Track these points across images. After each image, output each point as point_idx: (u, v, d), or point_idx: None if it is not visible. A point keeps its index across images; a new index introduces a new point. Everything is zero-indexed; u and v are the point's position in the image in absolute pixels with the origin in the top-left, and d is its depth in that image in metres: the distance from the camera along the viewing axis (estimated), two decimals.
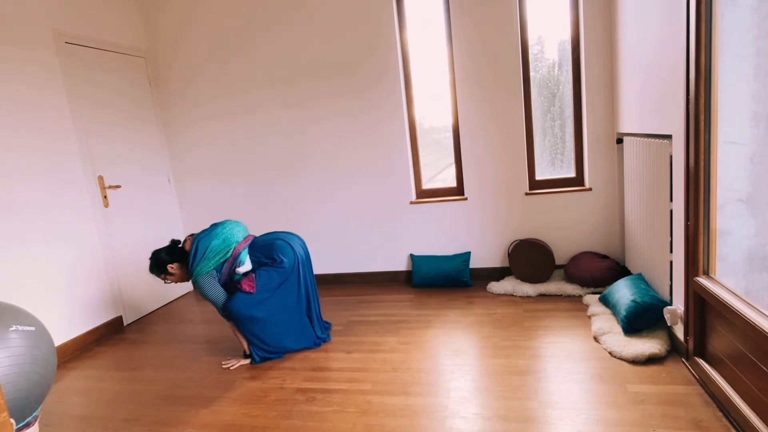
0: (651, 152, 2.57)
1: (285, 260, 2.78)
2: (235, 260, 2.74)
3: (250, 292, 2.70)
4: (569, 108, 3.55)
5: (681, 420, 1.87)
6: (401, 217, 3.89)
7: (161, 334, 3.45)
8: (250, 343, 2.79)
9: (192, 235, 2.88)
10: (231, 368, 2.78)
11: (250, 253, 2.81)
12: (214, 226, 2.84)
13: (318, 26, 3.75)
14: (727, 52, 1.84)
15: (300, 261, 2.87)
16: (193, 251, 2.74)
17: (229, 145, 4.12)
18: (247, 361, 2.81)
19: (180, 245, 2.89)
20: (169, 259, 2.83)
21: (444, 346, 2.74)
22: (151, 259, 2.85)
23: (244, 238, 2.84)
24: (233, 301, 2.69)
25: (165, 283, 3.03)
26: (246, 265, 2.76)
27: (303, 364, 2.73)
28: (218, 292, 2.71)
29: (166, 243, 3.77)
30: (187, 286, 4.40)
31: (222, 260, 2.73)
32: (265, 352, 2.80)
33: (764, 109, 1.82)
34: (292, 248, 2.85)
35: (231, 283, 2.78)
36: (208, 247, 2.73)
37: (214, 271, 2.73)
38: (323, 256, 4.12)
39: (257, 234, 4.18)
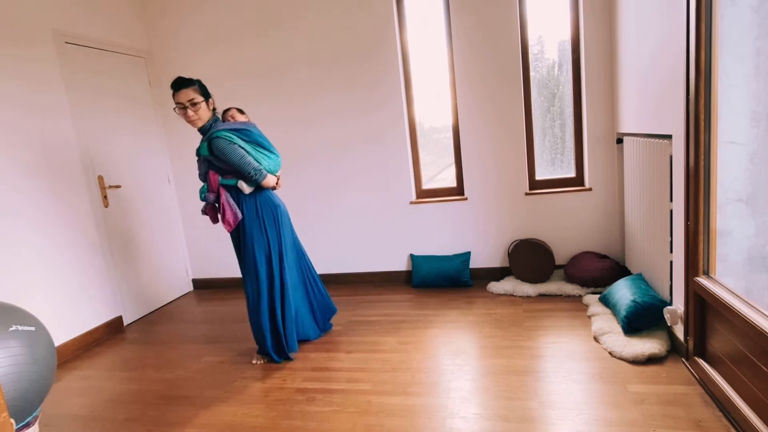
0: (651, 152, 2.57)
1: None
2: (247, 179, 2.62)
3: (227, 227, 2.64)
4: (569, 108, 3.55)
5: (681, 420, 1.87)
6: (401, 217, 3.89)
7: (161, 334, 3.45)
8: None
9: (245, 114, 2.78)
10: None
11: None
12: (269, 143, 2.76)
13: (318, 27, 3.74)
14: (727, 52, 1.84)
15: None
16: (234, 124, 2.62)
17: None
18: None
19: (216, 109, 2.72)
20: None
21: (444, 346, 2.74)
22: (186, 78, 2.63)
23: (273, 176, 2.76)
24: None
25: (178, 112, 2.63)
26: (246, 189, 2.65)
27: (303, 364, 2.73)
28: (246, 159, 2.55)
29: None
30: (184, 287, 4.40)
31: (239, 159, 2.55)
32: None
33: (764, 109, 1.82)
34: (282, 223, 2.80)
35: (210, 177, 2.64)
36: (252, 140, 2.63)
37: (237, 146, 2.55)
38: (323, 256, 4.11)
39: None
